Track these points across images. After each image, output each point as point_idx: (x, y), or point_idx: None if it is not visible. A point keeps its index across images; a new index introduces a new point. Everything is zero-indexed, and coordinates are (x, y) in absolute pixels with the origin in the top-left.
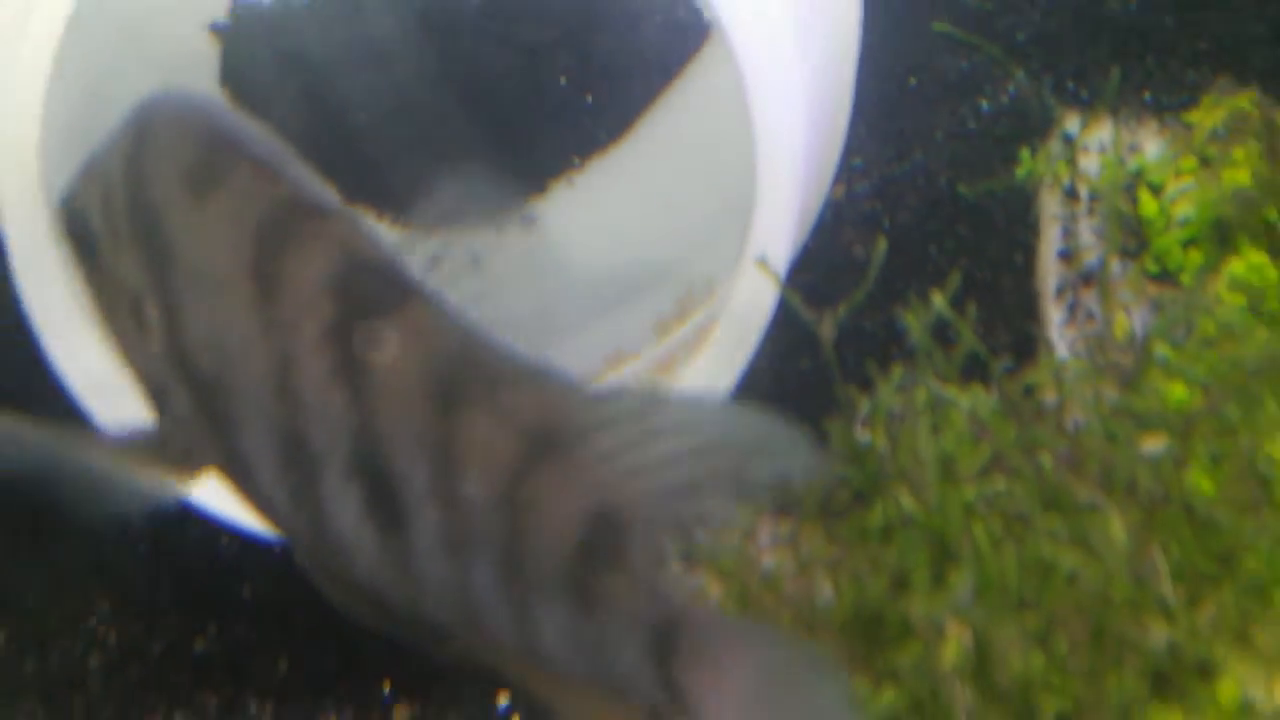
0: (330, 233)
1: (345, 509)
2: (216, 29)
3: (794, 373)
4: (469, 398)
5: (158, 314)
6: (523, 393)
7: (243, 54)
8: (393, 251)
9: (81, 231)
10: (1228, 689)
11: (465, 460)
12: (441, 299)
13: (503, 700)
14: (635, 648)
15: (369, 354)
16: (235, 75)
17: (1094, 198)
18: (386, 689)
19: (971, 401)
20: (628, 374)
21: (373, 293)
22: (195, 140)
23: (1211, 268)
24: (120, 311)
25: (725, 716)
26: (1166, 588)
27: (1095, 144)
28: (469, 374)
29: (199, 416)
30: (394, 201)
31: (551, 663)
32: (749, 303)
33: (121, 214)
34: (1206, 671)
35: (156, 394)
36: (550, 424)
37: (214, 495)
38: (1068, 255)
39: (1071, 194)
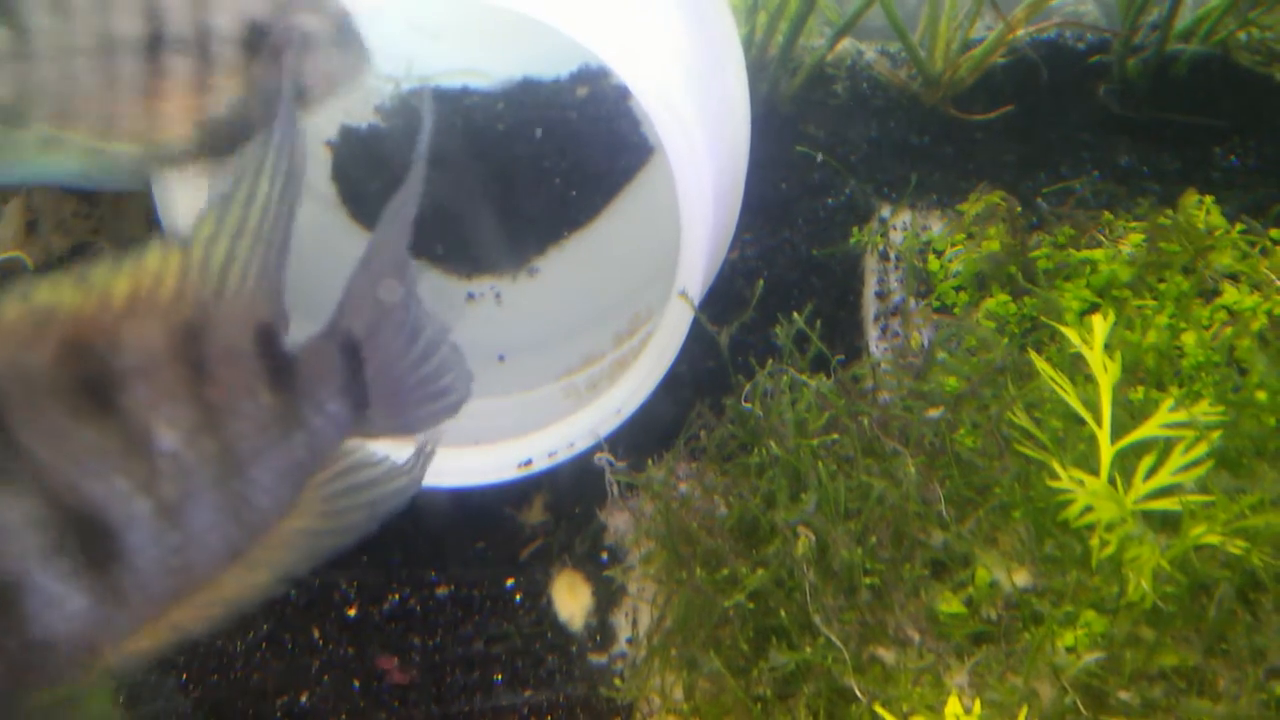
0: None
1: None
2: (330, 143)
3: (703, 367)
4: None
5: None
6: None
7: (347, 159)
8: None
9: None
10: (982, 574)
11: None
12: None
13: (509, 581)
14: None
15: None
16: (342, 173)
17: (898, 259)
18: (432, 575)
19: (817, 384)
20: (596, 369)
21: None
22: None
23: (974, 304)
24: None
25: None
26: (942, 507)
27: (900, 225)
28: None
29: None
30: (450, 256)
31: None
32: (675, 322)
33: None
34: (968, 562)
35: None
36: None
37: None
38: (882, 295)
39: (884, 256)
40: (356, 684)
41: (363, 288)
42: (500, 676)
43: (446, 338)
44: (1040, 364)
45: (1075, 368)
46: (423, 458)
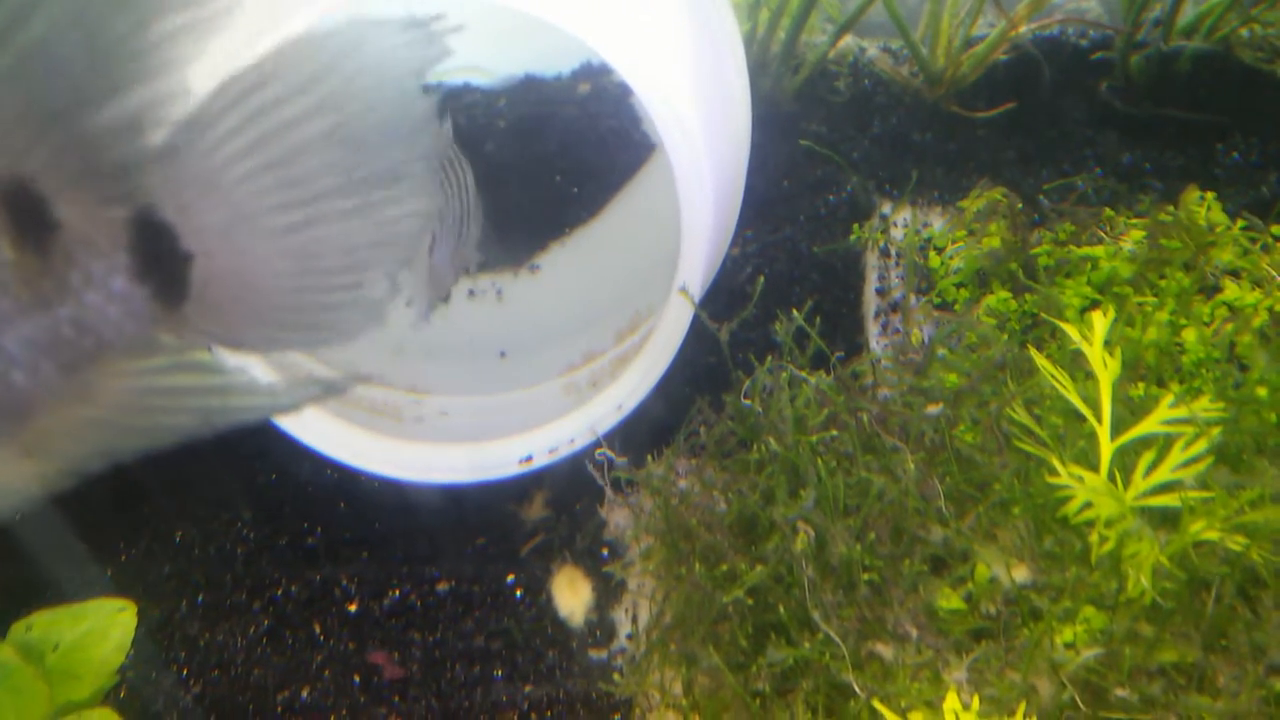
0: None
1: None
2: None
3: (704, 364)
4: None
5: None
6: None
7: None
8: None
9: None
10: (981, 570)
11: None
12: None
13: (510, 577)
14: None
15: None
16: None
17: (899, 255)
18: (433, 570)
19: (817, 381)
20: (597, 366)
21: None
22: None
23: (974, 301)
24: None
25: None
26: (942, 503)
27: (901, 222)
28: None
29: None
30: None
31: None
32: (676, 319)
33: None
34: (967, 558)
35: None
36: None
37: (322, 439)
38: (882, 292)
39: (885, 253)
40: (357, 679)
41: (195, 165)
42: (500, 672)
43: (385, 265)
44: (1040, 360)
45: (1075, 364)
46: (301, 389)
